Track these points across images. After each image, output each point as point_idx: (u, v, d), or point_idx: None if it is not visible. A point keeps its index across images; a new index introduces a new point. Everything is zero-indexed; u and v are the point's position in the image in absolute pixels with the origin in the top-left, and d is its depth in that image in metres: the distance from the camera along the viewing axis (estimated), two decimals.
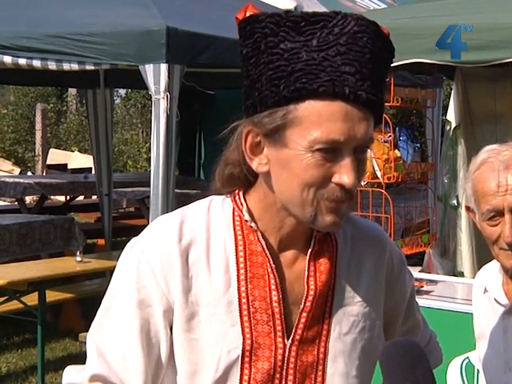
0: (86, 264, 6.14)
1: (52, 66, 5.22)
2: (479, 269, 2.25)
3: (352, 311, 1.51)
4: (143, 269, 1.46)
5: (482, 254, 4.82)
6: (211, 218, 1.49)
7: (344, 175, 1.35)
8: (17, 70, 5.63)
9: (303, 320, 1.47)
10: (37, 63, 5.25)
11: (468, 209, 2.02)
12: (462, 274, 4.72)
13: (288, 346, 1.46)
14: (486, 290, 2.11)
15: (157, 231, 1.49)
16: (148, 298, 1.45)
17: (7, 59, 5.28)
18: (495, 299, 2.06)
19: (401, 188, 6.47)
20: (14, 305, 5.91)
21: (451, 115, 4.86)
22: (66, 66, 5.18)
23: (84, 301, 6.44)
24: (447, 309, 3.93)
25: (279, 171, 1.39)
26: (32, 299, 5.77)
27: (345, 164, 1.35)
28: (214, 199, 1.53)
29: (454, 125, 4.83)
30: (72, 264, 6.20)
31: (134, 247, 1.50)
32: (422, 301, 4.15)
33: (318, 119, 1.34)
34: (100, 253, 7.50)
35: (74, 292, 6.48)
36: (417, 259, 5.04)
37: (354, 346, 1.51)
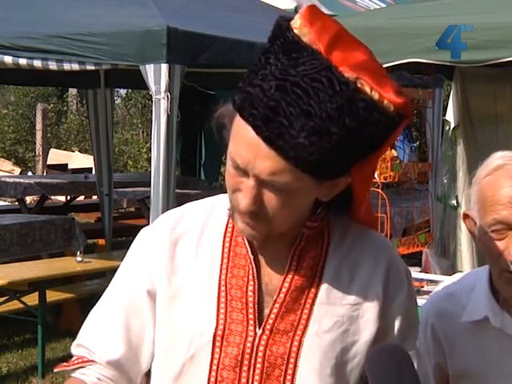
0: (86, 264, 6.15)
1: (52, 66, 5.23)
2: None
3: (337, 312, 1.50)
4: (140, 252, 1.60)
5: (482, 254, 4.82)
6: (212, 214, 1.58)
7: (240, 196, 1.39)
8: (17, 70, 5.63)
9: (275, 310, 1.49)
10: (37, 63, 5.25)
11: (466, 216, 1.80)
12: None
13: (258, 335, 1.49)
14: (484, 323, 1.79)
15: (160, 220, 1.62)
16: (137, 280, 1.57)
17: (8, 59, 5.28)
18: (503, 330, 1.77)
19: (401, 188, 6.48)
20: (15, 305, 5.91)
21: (450, 115, 4.86)
22: (66, 66, 5.19)
23: (84, 301, 6.43)
24: None
25: None
26: (32, 299, 5.77)
27: (244, 187, 1.38)
28: (221, 197, 1.59)
29: (452, 125, 4.83)
30: (72, 264, 6.21)
31: (141, 233, 1.64)
32: (422, 301, 4.15)
33: (234, 135, 1.37)
34: (100, 253, 7.50)
35: (74, 292, 6.48)
36: (417, 260, 5.04)
37: (333, 345, 1.49)
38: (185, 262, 1.54)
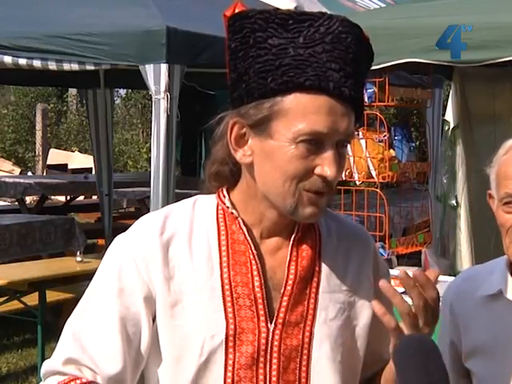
0: (86, 264, 6.15)
1: (52, 66, 5.22)
2: None
3: (338, 298, 1.54)
4: (125, 259, 1.51)
5: (481, 254, 4.83)
6: (195, 213, 1.55)
7: (326, 167, 1.40)
8: (17, 70, 5.63)
9: (285, 303, 1.50)
10: (37, 63, 5.25)
11: (489, 196, 1.86)
12: None
13: (271, 330, 1.49)
14: (499, 295, 1.84)
15: (141, 226, 1.56)
16: (129, 287, 1.49)
17: (7, 59, 5.28)
18: None
19: (400, 188, 6.48)
20: (14, 305, 5.92)
21: (449, 115, 4.87)
22: (66, 66, 5.18)
23: None
24: None
25: (263, 162, 1.44)
26: (32, 299, 5.77)
27: (327, 156, 1.40)
28: (200, 197, 1.60)
29: (452, 125, 4.84)
30: (72, 264, 6.22)
31: (119, 242, 1.57)
32: None
33: (303, 111, 1.39)
34: (100, 253, 7.46)
35: (74, 292, 6.46)
36: (416, 259, 5.04)
37: (340, 332, 1.53)
38: (180, 265, 1.49)
